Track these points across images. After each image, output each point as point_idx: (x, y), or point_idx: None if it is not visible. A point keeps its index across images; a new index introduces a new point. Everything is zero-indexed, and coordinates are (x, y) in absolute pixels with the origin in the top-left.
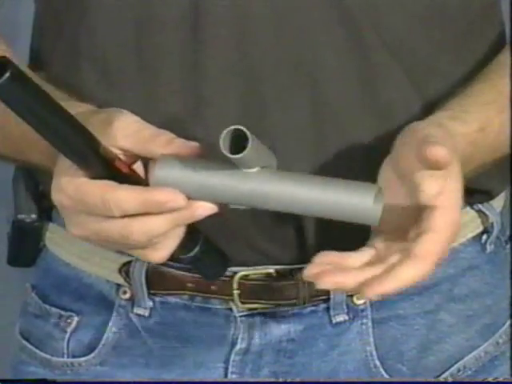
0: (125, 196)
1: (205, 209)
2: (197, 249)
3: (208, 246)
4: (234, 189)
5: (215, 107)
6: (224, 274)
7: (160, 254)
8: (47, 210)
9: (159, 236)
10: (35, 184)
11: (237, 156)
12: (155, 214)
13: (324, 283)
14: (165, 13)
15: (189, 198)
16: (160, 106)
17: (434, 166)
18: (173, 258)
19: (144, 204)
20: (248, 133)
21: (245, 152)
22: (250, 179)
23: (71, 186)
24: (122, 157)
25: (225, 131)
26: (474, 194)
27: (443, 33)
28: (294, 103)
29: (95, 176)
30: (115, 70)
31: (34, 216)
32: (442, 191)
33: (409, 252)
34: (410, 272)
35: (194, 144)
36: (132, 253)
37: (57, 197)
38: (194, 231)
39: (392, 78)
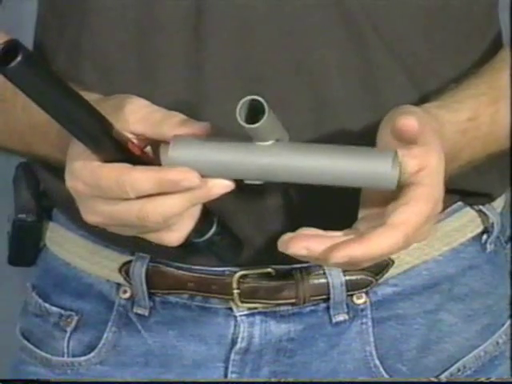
0: (140, 177)
1: (220, 187)
2: (212, 231)
3: (223, 229)
4: (251, 163)
5: (216, 107)
6: (238, 259)
7: (176, 235)
8: (48, 210)
9: (175, 216)
10: (36, 183)
11: (253, 126)
12: (171, 194)
13: (293, 247)
14: (166, 13)
15: (204, 176)
16: (161, 105)
17: (403, 137)
18: (188, 242)
19: (159, 183)
20: (265, 103)
21: (261, 121)
22: (266, 152)
23: (85, 170)
24: (134, 140)
25: (241, 101)
26: (475, 196)
27: (444, 34)
28: (295, 103)
29: (109, 159)
30: (116, 70)
31: (34, 215)
32: (421, 168)
33: (383, 222)
34: (380, 239)
35: (206, 124)
36: (148, 236)
37: (71, 183)
38: (208, 214)
39: (393, 79)
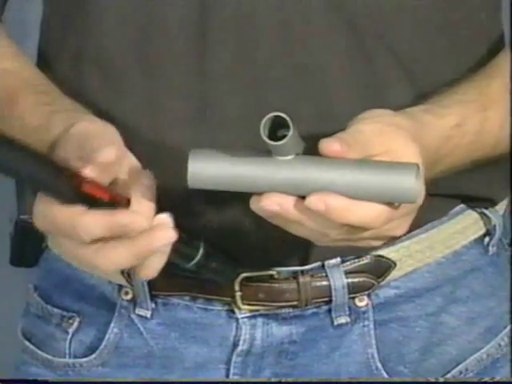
0: (91, 221)
1: (162, 239)
2: (199, 256)
3: (211, 251)
4: (273, 177)
5: (220, 111)
6: (234, 277)
7: (149, 272)
8: None
9: (128, 266)
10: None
11: (278, 143)
12: (120, 241)
13: (265, 201)
14: (169, 17)
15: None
16: (164, 109)
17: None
18: (176, 267)
19: (109, 228)
20: (289, 120)
21: (286, 139)
22: (289, 167)
23: (45, 212)
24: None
25: (265, 118)
26: (477, 201)
27: (446, 40)
28: (298, 108)
29: (66, 203)
30: (119, 74)
31: None
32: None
33: None
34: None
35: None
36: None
37: (36, 222)
38: (192, 238)
39: (395, 84)
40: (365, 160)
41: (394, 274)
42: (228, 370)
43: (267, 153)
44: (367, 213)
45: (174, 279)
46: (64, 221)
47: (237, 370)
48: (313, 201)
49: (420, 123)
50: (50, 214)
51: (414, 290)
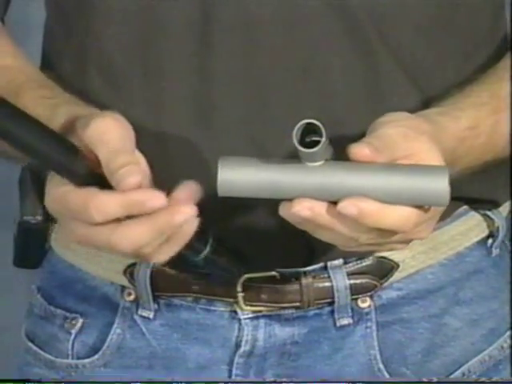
0: (105, 200)
1: (184, 213)
2: (207, 249)
3: (219, 246)
4: (304, 183)
5: (222, 113)
6: (242, 274)
7: (161, 257)
8: None
9: (146, 245)
10: (41, 185)
11: (311, 150)
12: (139, 220)
13: (296, 207)
14: (172, 19)
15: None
16: (167, 111)
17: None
18: (183, 261)
19: (125, 206)
20: (322, 127)
21: (319, 146)
22: (320, 172)
23: (57, 194)
24: None
25: (298, 125)
26: (480, 202)
27: (449, 42)
28: (301, 109)
29: (79, 184)
30: (122, 76)
31: (39, 217)
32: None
33: None
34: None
35: (137, 179)
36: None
37: (48, 204)
38: (202, 232)
39: (397, 86)
40: (394, 164)
41: (397, 275)
42: (230, 370)
43: (296, 159)
44: (399, 216)
45: (177, 280)
46: (76, 201)
47: (239, 370)
48: (346, 205)
49: (437, 126)
50: (62, 195)
51: (417, 292)
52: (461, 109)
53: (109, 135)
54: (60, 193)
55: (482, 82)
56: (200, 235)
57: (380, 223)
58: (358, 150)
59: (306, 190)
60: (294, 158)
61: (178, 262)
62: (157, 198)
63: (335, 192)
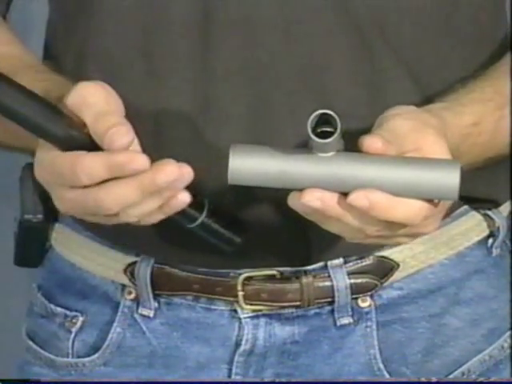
0: (90, 162)
1: (166, 174)
2: (203, 215)
3: (215, 211)
4: (315, 174)
5: (224, 109)
6: (241, 244)
7: (148, 220)
8: (54, 211)
9: (133, 205)
10: (42, 184)
11: (325, 141)
12: (123, 180)
13: (306, 197)
14: (174, 16)
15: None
16: (168, 108)
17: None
18: (178, 228)
19: (108, 167)
20: (337, 118)
21: (333, 137)
22: (331, 163)
23: (46, 159)
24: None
25: (313, 115)
26: (481, 202)
27: (450, 40)
28: (301, 108)
29: (66, 148)
30: (123, 73)
31: (40, 216)
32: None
33: None
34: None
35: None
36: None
37: (37, 171)
38: (196, 198)
39: (398, 84)
40: (405, 157)
41: (397, 274)
42: (230, 369)
43: (307, 149)
44: (409, 209)
45: (177, 279)
46: (64, 165)
47: (239, 369)
48: (357, 197)
49: (442, 120)
50: (49, 161)
51: (417, 291)
52: (464, 105)
53: (93, 98)
54: (48, 159)
55: (486, 77)
56: (195, 202)
57: (390, 216)
58: (371, 143)
59: (316, 180)
60: (304, 147)
61: (172, 228)
62: (139, 161)
63: (346, 183)
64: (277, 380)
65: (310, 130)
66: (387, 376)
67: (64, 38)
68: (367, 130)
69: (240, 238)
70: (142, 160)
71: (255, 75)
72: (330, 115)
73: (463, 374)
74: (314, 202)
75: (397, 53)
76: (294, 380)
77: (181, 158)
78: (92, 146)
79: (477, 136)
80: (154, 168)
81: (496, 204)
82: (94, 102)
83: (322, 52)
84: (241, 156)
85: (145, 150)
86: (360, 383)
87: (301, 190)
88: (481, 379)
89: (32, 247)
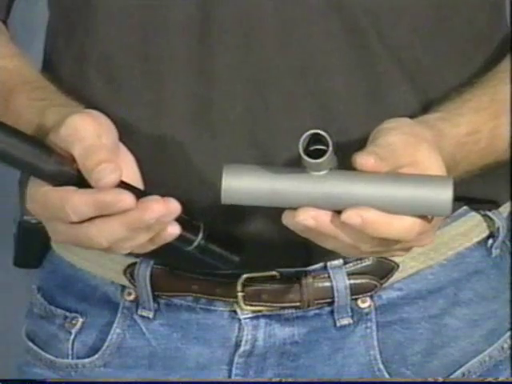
0: (78, 200)
1: (153, 211)
2: (199, 238)
3: (212, 234)
4: (308, 192)
5: (222, 113)
6: (239, 262)
7: (140, 250)
8: None
9: (123, 240)
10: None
11: (318, 161)
12: (110, 217)
13: (300, 216)
14: (172, 18)
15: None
16: (166, 110)
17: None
18: (176, 252)
19: (96, 206)
20: (328, 138)
21: (325, 157)
22: (324, 182)
23: (37, 194)
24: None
25: (304, 135)
26: (481, 203)
27: (448, 42)
28: (300, 109)
29: (57, 184)
30: (122, 76)
31: None
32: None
33: None
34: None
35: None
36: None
37: (29, 205)
38: (192, 222)
39: (396, 86)
40: (398, 174)
41: (397, 275)
42: (230, 370)
43: (300, 168)
44: (402, 226)
45: (177, 280)
46: (54, 201)
47: (239, 370)
48: (350, 215)
49: (438, 132)
50: (41, 196)
51: (417, 292)
52: (461, 114)
53: (84, 132)
54: (40, 194)
55: (483, 85)
56: (190, 225)
57: (383, 233)
58: (364, 161)
59: (310, 199)
60: (296, 165)
61: (170, 253)
62: (126, 200)
63: (339, 202)
64: (277, 380)
65: (301, 150)
66: (387, 377)
67: (63, 42)
68: (364, 131)
69: (238, 256)
70: (129, 199)
71: (254, 78)
72: (322, 135)
73: (463, 374)
74: (308, 220)
75: (394, 54)
76: (291, 380)
77: (180, 161)
78: (81, 180)
79: (473, 145)
80: (141, 206)
81: (496, 205)
82: (85, 136)
83: (319, 53)
84: (234, 176)
85: (144, 153)
86: (366, 383)
87: (294, 208)
88: (489, 379)
89: (31, 248)
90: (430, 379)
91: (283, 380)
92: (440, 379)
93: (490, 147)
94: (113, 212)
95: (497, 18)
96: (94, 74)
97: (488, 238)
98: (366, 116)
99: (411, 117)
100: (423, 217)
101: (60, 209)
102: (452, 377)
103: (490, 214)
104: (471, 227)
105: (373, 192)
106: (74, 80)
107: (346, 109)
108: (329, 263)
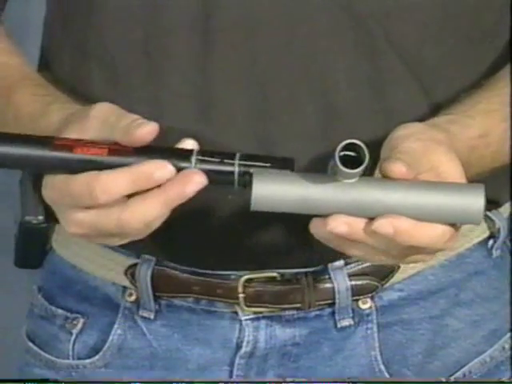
0: (110, 178)
1: (196, 183)
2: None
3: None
4: (339, 200)
5: (224, 111)
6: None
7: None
8: (54, 212)
9: (158, 219)
10: (42, 185)
11: (355, 171)
12: (147, 197)
13: (332, 223)
14: (174, 16)
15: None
16: (168, 108)
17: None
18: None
19: (132, 180)
20: (365, 148)
21: (362, 166)
22: (355, 189)
23: (56, 181)
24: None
25: (340, 145)
26: None
27: (454, 41)
28: (303, 108)
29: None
30: (123, 73)
31: (40, 218)
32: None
33: None
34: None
35: (154, 125)
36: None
37: (46, 193)
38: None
39: (401, 84)
40: (429, 181)
41: (398, 276)
42: (231, 371)
43: (328, 175)
44: (434, 234)
45: (178, 280)
46: (79, 185)
47: (240, 371)
48: (381, 224)
49: (451, 135)
50: (61, 182)
51: (418, 293)
52: (471, 116)
53: (113, 114)
54: (60, 180)
55: (492, 87)
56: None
57: (414, 241)
58: (396, 169)
59: (341, 206)
60: (323, 173)
61: (173, 229)
62: (167, 168)
63: (370, 209)
64: (279, 380)
65: (337, 160)
66: (388, 377)
67: (62, 38)
68: (369, 131)
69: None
70: (169, 167)
71: (257, 76)
72: (358, 145)
73: (464, 375)
74: (341, 227)
75: (400, 53)
76: (290, 380)
77: None
78: (94, 164)
79: (484, 148)
80: (181, 179)
81: (496, 205)
82: (115, 116)
83: (324, 52)
84: (264, 182)
85: None
86: (372, 383)
87: (322, 215)
88: (483, 380)
89: (32, 249)
90: (442, 379)
91: (286, 380)
92: (443, 379)
93: (500, 150)
94: (151, 185)
95: (503, 17)
96: (95, 71)
97: (489, 238)
98: (371, 115)
99: (417, 116)
100: (452, 224)
101: (87, 191)
102: (453, 377)
103: (490, 214)
104: (472, 228)
105: (404, 200)
106: (73, 78)
107: (350, 107)
108: (330, 264)
